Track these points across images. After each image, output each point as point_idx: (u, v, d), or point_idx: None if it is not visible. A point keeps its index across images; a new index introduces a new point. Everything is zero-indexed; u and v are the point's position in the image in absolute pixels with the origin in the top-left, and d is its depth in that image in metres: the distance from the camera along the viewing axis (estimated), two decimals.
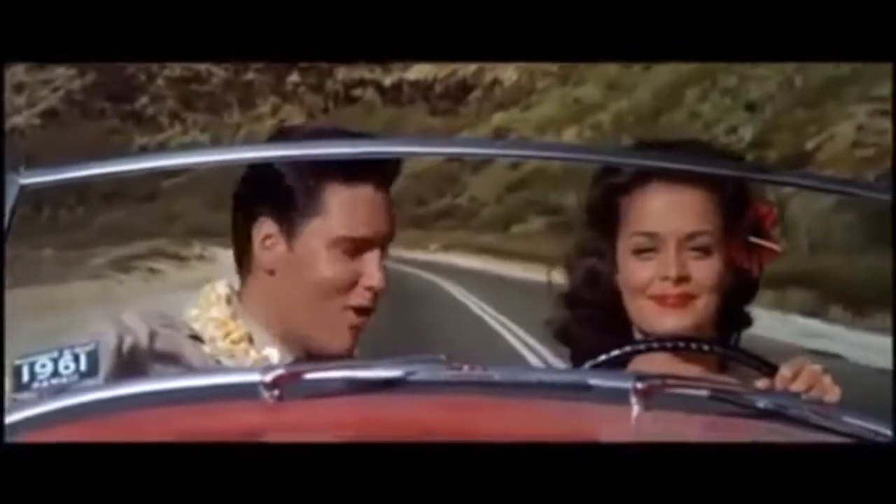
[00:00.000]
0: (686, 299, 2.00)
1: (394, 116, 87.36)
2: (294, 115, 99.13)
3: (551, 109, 75.39)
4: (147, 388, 1.62)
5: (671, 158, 1.96)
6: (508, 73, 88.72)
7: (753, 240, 2.04)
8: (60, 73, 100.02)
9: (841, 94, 43.09)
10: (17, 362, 1.57)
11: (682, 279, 1.99)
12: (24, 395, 1.57)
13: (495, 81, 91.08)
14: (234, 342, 1.94)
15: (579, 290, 2.11)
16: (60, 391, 1.57)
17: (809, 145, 41.55)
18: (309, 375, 1.59)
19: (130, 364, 1.84)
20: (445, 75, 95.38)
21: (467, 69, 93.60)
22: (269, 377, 1.54)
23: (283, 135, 2.03)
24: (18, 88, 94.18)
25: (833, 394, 1.84)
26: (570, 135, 64.61)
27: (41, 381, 1.57)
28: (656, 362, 2.00)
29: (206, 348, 1.94)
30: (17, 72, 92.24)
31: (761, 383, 1.86)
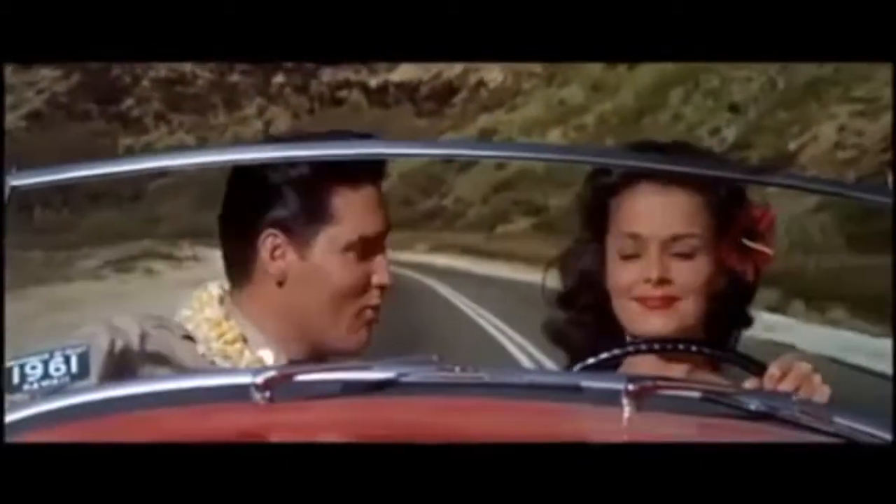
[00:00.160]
0: (669, 301, 2.00)
1: (379, 118, 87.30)
2: (279, 117, 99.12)
3: (536, 111, 75.51)
4: (139, 390, 1.61)
5: (658, 160, 1.96)
6: (493, 74, 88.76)
7: (747, 243, 2.04)
8: (45, 74, 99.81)
9: (823, 95, 43.30)
10: (8, 364, 1.57)
11: (662, 281, 1.99)
12: (16, 397, 1.56)
13: (480, 83, 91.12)
14: (227, 343, 1.94)
15: (574, 292, 2.11)
16: (51, 393, 1.56)
17: (792, 146, 41.74)
18: (300, 377, 1.59)
19: (123, 366, 1.83)
20: (431, 77, 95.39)
21: (452, 71, 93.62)
22: (260, 379, 1.53)
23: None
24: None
25: (822, 392, 1.84)
26: (554, 136, 64.75)
27: (31, 384, 1.57)
28: (647, 364, 2.00)
29: (201, 348, 1.94)
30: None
31: (749, 383, 1.87)
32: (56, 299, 23.26)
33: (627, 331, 2.03)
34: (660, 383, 1.56)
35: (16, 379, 1.56)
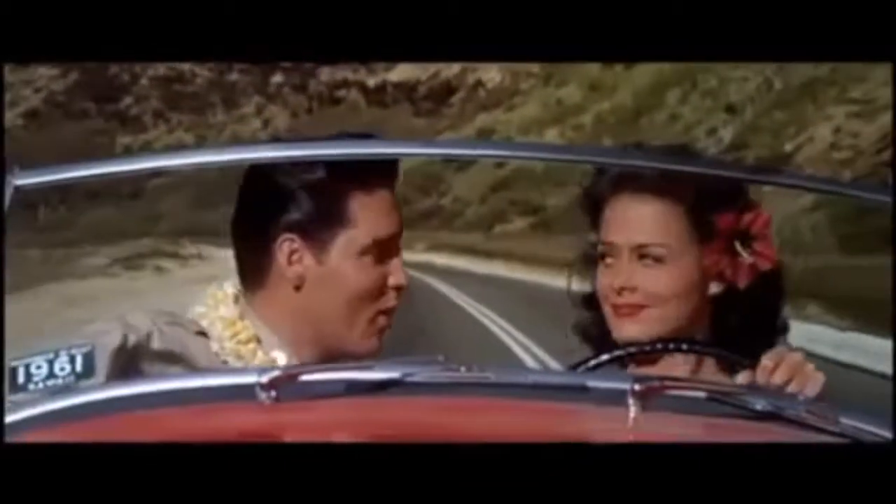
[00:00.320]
0: (635, 309, 2.03)
1: (378, 117, 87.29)
2: (278, 116, 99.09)
3: (534, 110, 75.52)
4: (144, 389, 1.61)
5: (656, 159, 1.97)
6: (491, 74, 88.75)
7: (738, 248, 2.04)
8: (42, 73, 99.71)
9: (819, 96, 43.35)
10: (13, 364, 1.57)
11: (625, 289, 2.02)
12: (20, 397, 1.56)
13: (479, 83, 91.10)
14: (241, 342, 1.94)
15: (594, 293, 2.12)
16: (56, 393, 1.56)
17: (788, 147, 41.76)
18: (306, 377, 1.59)
19: (135, 362, 1.83)
20: (429, 77, 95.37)
21: (451, 71, 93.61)
22: (265, 378, 1.53)
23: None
24: None
25: (815, 381, 1.85)
26: (552, 135, 64.78)
27: (36, 383, 1.57)
28: (651, 365, 2.01)
29: (214, 346, 1.93)
30: None
31: (743, 376, 1.87)
32: (69, 296, 23.42)
33: (612, 336, 2.05)
34: (666, 383, 1.57)
35: (21, 378, 1.56)
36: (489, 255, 44.56)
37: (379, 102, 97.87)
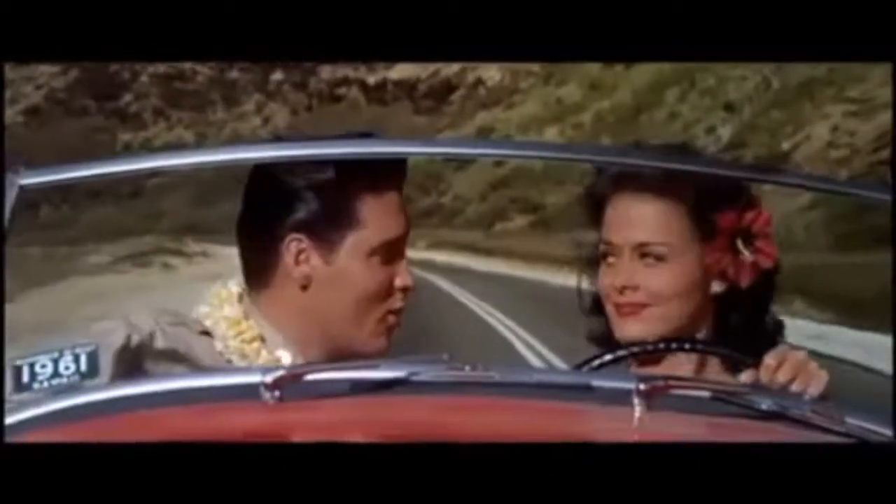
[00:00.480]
0: (638, 308, 2.03)
1: (378, 115, 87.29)
2: (278, 113, 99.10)
3: (534, 109, 75.56)
4: (148, 389, 1.61)
5: (655, 158, 1.97)
6: (491, 73, 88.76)
7: (740, 246, 2.04)
8: (43, 70, 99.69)
9: (817, 95, 43.43)
10: (18, 363, 1.56)
11: (627, 288, 2.02)
12: (25, 396, 1.56)
13: (479, 81, 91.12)
14: (245, 342, 1.93)
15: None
16: (60, 392, 1.56)
17: (786, 146, 41.83)
18: (310, 376, 1.59)
19: (139, 361, 1.83)
20: (429, 75, 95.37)
21: (451, 69, 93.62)
22: (269, 378, 1.53)
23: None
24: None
25: (819, 380, 1.84)
26: (551, 134, 64.84)
27: (41, 382, 1.56)
28: (655, 365, 2.01)
29: (218, 345, 1.93)
30: None
31: (746, 375, 1.87)
32: (83, 292, 23.54)
33: (614, 336, 2.05)
34: (671, 383, 1.56)
35: (25, 378, 1.56)
36: (489, 252, 44.62)
37: (379, 100, 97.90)
